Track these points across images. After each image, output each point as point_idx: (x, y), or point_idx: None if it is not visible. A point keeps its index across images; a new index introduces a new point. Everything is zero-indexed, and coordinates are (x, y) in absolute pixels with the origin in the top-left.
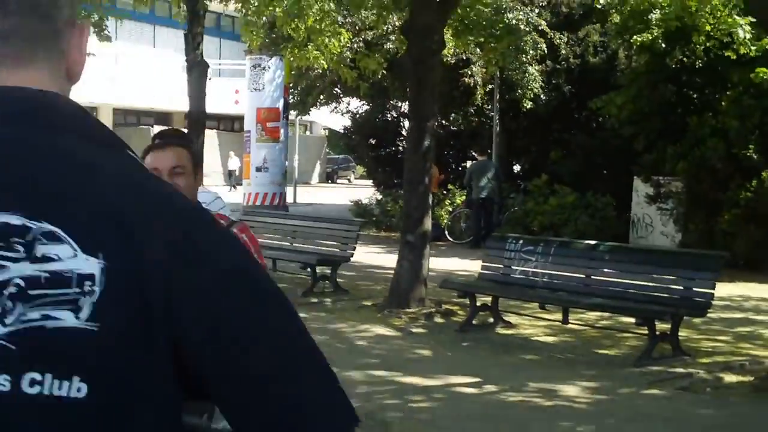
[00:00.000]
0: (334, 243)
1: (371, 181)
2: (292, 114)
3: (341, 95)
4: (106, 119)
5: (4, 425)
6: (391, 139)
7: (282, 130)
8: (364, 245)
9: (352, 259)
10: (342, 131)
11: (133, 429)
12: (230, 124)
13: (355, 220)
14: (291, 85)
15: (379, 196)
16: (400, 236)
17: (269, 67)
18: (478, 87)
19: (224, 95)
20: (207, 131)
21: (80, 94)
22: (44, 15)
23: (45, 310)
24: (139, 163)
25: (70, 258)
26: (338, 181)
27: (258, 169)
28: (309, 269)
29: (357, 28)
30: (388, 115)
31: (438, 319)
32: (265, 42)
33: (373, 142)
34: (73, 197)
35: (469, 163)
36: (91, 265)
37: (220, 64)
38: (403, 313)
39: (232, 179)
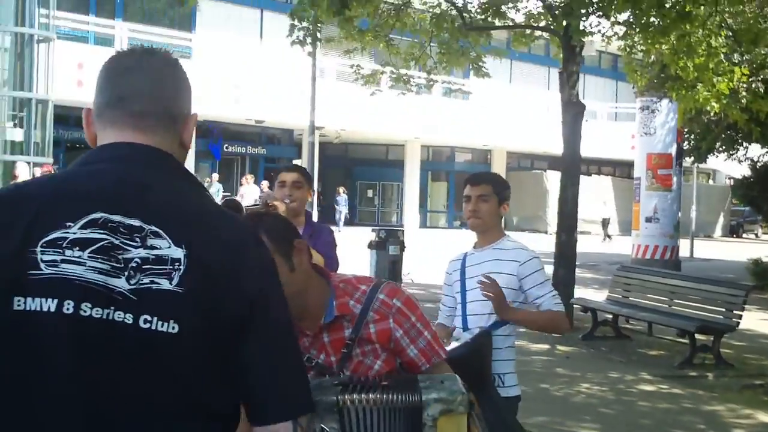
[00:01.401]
0: (718, 308)
1: None
2: (688, 161)
3: (740, 141)
4: (500, 163)
5: (127, 347)
6: None
7: (674, 178)
8: (762, 310)
9: (739, 327)
10: (741, 180)
11: (205, 355)
12: (627, 170)
13: (741, 283)
14: (685, 129)
15: None
16: None
17: (659, 110)
18: None
19: (620, 140)
20: (601, 177)
21: (476, 138)
22: (167, 107)
23: (152, 278)
24: (210, 197)
25: (167, 248)
26: (744, 235)
27: (648, 220)
28: (687, 337)
29: (754, 66)
30: None
31: None
32: (653, 83)
33: None
34: (170, 212)
35: None
36: (178, 252)
37: (616, 107)
38: None
39: (606, 228)
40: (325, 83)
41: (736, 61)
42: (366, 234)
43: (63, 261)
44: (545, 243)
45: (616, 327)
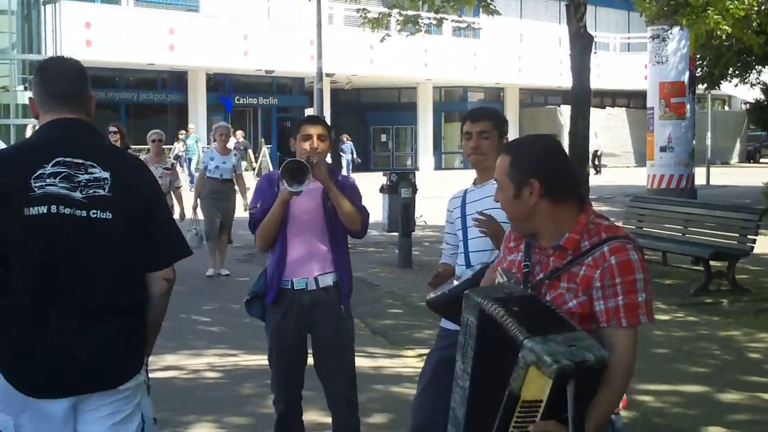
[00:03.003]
0: (732, 234)
1: None
2: (701, 88)
3: (752, 64)
4: (513, 100)
5: (85, 228)
6: None
7: (688, 106)
8: None
9: (754, 252)
10: (755, 104)
11: (131, 234)
12: (641, 101)
13: (755, 207)
14: (698, 56)
15: None
16: None
17: (670, 38)
18: None
19: (634, 70)
20: (615, 109)
21: (488, 76)
22: (82, 96)
23: (94, 189)
24: (107, 142)
25: (99, 173)
26: (761, 160)
27: (662, 149)
28: (702, 264)
29: None
30: None
31: None
32: (663, 10)
33: None
34: (96, 152)
35: None
36: (106, 174)
37: (629, 38)
38: None
39: (595, 160)
40: (334, 30)
41: None
42: (380, 179)
43: (46, 185)
44: None
45: None
